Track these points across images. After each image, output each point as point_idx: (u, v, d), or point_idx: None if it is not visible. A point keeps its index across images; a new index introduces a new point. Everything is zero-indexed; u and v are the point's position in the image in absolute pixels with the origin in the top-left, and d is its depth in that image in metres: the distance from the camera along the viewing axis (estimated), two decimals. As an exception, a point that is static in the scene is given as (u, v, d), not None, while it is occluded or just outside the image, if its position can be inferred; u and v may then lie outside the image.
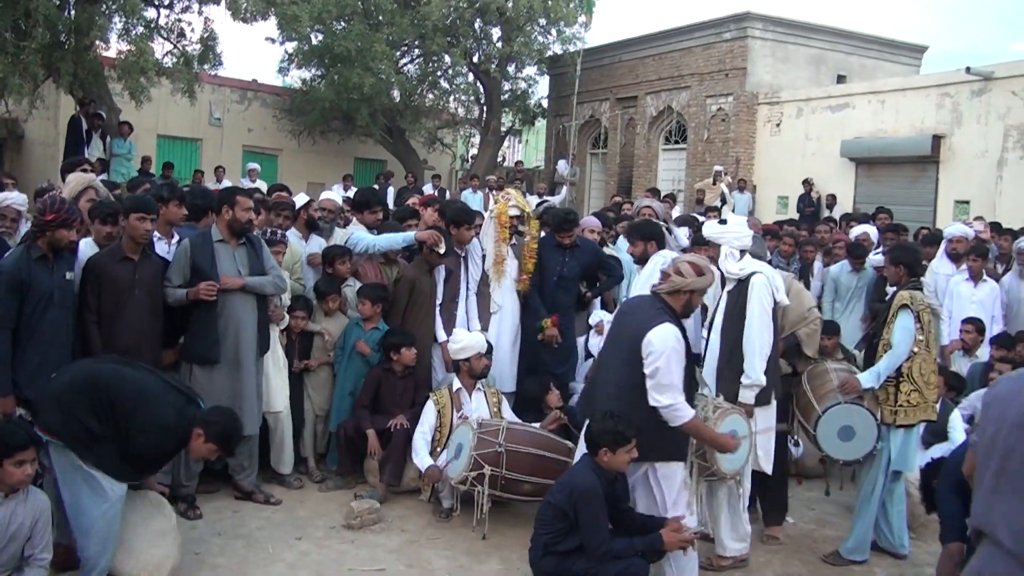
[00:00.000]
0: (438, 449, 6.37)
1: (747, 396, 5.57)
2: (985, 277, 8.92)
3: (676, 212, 12.42)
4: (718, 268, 5.87)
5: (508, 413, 6.69)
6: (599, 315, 7.68)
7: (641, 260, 6.80)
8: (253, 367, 6.02)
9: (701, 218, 9.54)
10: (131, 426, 4.59)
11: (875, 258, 8.89)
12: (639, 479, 5.01)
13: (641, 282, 6.49)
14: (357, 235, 7.37)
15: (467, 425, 6.12)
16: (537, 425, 6.45)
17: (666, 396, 4.71)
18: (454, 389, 6.60)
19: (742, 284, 5.68)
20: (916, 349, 5.77)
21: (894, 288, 6.07)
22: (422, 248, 7.15)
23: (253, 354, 6.02)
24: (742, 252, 5.75)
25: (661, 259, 6.40)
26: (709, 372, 5.78)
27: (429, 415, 6.49)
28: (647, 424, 4.78)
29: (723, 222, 6.20)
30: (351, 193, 17.20)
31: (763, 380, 5.55)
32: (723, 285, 5.86)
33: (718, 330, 5.78)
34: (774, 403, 5.77)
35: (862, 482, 6.07)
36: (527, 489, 5.98)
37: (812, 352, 6.20)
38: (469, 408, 6.52)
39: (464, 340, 6.61)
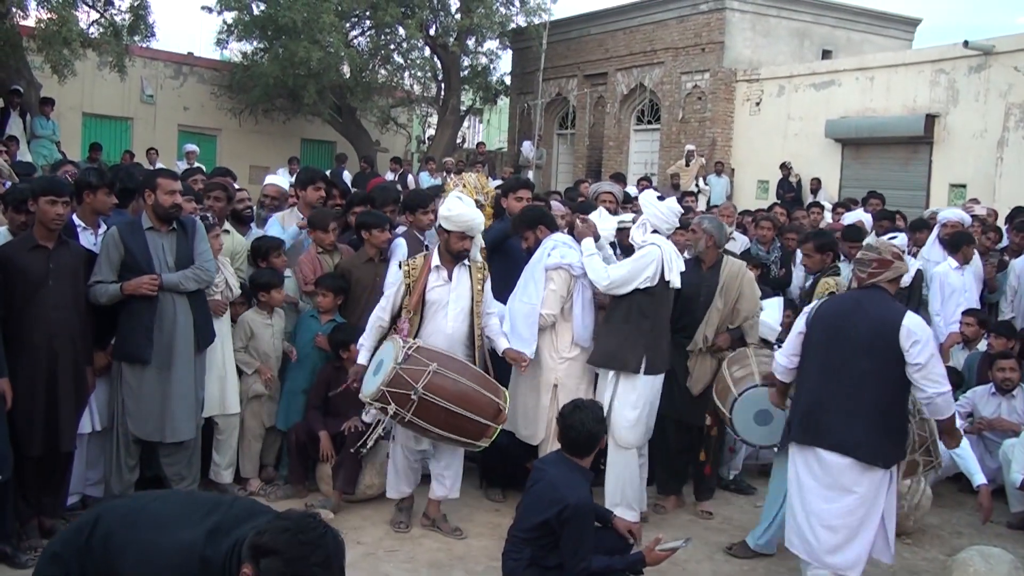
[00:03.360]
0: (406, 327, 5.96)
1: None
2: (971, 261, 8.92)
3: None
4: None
5: (489, 296, 6.25)
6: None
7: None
8: (189, 365, 5.88)
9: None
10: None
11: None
12: (874, 485, 4.93)
13: (531, 267, 6.45)
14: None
15: (395, 344, 5.65)
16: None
17: (943, 384, 4.82)
18: (433, 264, 6.01)
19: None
20: None
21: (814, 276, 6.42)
22: (359, 232, 7.15)
23: (189, 351, 5.88)
24: (655, 230, 6.29)
25: (553, 242, 6.45)
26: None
27: (392, 292, 6.03)
28: (901, 425, 5.01)
29: (661, 199, 6.54)
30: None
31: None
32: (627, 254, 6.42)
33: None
34: (657, 377, 6.26)
35: (776, 469, 6.14)
36: (429, 436, 5.79)
37: (754, 342, 6.65)
38: (447, 289, 5.99)
39: (456, 210, 5.97)
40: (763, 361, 6.21)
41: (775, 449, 6.04)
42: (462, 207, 6.01)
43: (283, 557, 2.71)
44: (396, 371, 5.47)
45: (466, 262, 6.10)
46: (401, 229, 7.40)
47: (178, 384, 5.82)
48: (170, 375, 5.78)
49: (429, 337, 5.93)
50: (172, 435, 5.80)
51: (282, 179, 8.63)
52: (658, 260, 6.14)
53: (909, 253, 9.47)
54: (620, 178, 15.36)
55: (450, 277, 6.02)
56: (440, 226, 6.06)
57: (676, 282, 6.25)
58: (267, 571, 2.72)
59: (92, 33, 17.86)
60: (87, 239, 5.96)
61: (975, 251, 8.95)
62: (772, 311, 7.24)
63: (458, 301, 6.00)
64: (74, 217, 5.91)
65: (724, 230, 7.00)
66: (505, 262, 7.08)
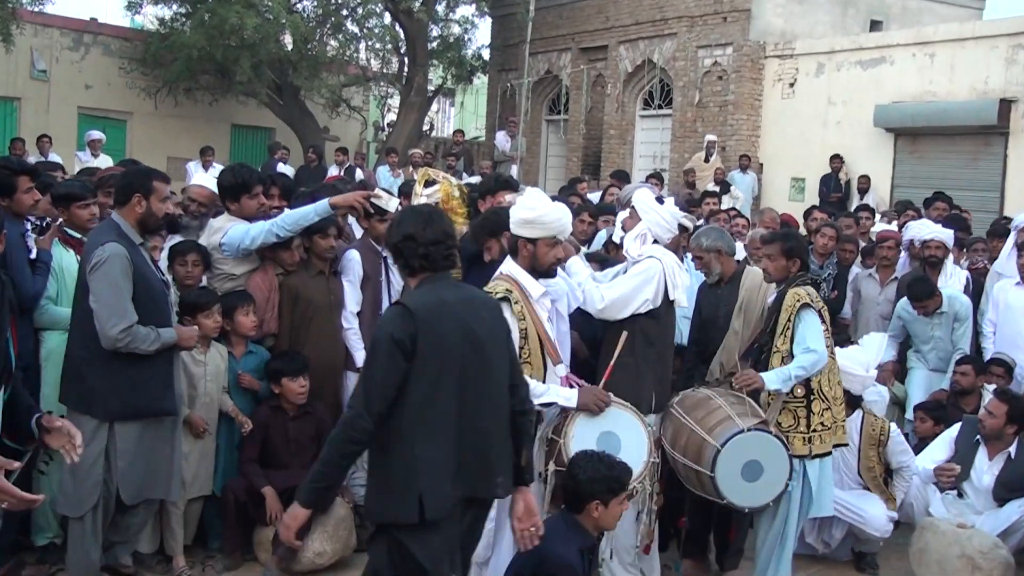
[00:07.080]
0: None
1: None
2: None
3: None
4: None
5: None
6: None
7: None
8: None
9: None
10: None
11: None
12: None
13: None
14: (235, 230, 6.87)
15: (630, 413, 5.71)
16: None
17: None
18: (535, 296, 5.53)
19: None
20: None
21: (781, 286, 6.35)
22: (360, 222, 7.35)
23: None
24: (654, 240, 6.28)
25: None
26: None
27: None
28: None
29: (660, 200, 6.61)
30: (213, 172, 16.78)
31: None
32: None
33: None
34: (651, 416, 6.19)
35: (763, 526, 6.22)
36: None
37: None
38: (552, 327, 5.75)
39: (542, 208, 5.53)
40: (733, 402, 6.06)
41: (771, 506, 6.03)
42: (547, 203, 5.61)
43: None
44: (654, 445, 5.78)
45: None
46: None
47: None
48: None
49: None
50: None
51: (210, 179, 8.38)
52: (660, 276, 6.04)
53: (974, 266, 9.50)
54: (622, 175, 15.26)
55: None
56: (520, 237, 5.57)
57: (682, 300, 6.20)
58: None
59: (-31, -6, 17.72)
60: None
61: None
62: (869, 350, 7.06)
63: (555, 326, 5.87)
64: None
65: (726, 234, 7.08)
66: (484, 275, 7.02)
